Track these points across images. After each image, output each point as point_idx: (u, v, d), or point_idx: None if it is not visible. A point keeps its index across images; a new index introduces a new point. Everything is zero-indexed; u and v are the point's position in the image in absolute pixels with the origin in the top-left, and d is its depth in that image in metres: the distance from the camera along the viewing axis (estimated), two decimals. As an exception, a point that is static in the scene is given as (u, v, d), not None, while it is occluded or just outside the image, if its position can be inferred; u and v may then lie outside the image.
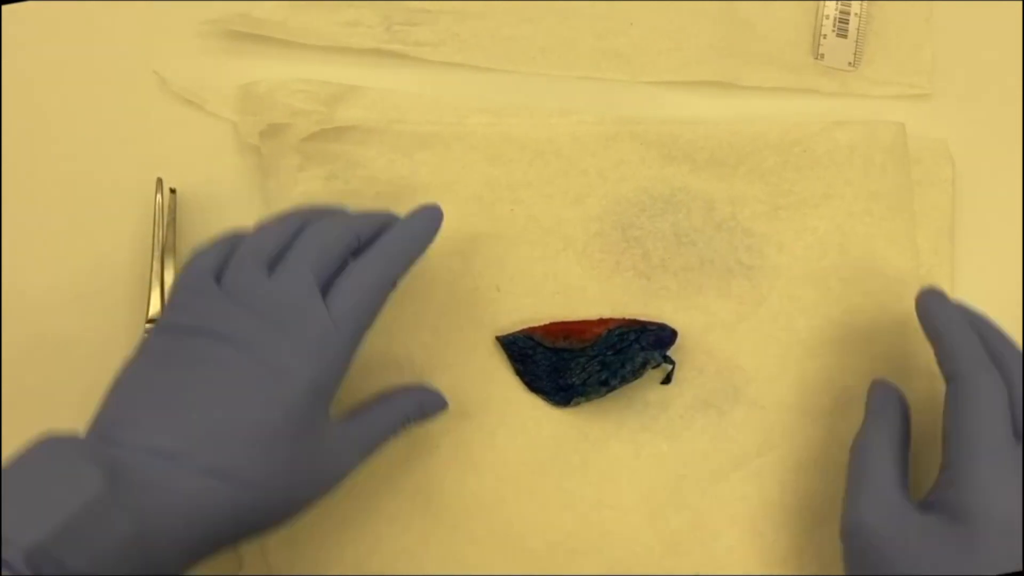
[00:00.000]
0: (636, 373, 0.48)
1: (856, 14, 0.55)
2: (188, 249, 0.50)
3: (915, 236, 0.52)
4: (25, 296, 0.50)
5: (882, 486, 0.44)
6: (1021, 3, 0.56)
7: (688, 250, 0.52)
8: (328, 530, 0.49)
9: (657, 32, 0.54)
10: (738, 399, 0.51)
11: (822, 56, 0.55)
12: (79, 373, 0.49)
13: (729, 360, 0.51)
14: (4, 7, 0.52)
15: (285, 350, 0.40)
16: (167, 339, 0.41)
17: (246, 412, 0.39)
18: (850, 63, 0.55)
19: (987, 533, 0.40)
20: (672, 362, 0.49)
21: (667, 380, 0.50)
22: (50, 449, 0.36)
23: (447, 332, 0.51)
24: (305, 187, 0.51)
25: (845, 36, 0.55)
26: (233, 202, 0.52)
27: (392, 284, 0.43)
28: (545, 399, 0.50)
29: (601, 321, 0.50)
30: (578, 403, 0.50)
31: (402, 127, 0.52)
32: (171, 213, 0.50)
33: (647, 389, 0.50)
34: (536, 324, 0.51)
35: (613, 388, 0.49)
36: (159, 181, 0.50)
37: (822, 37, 0.55)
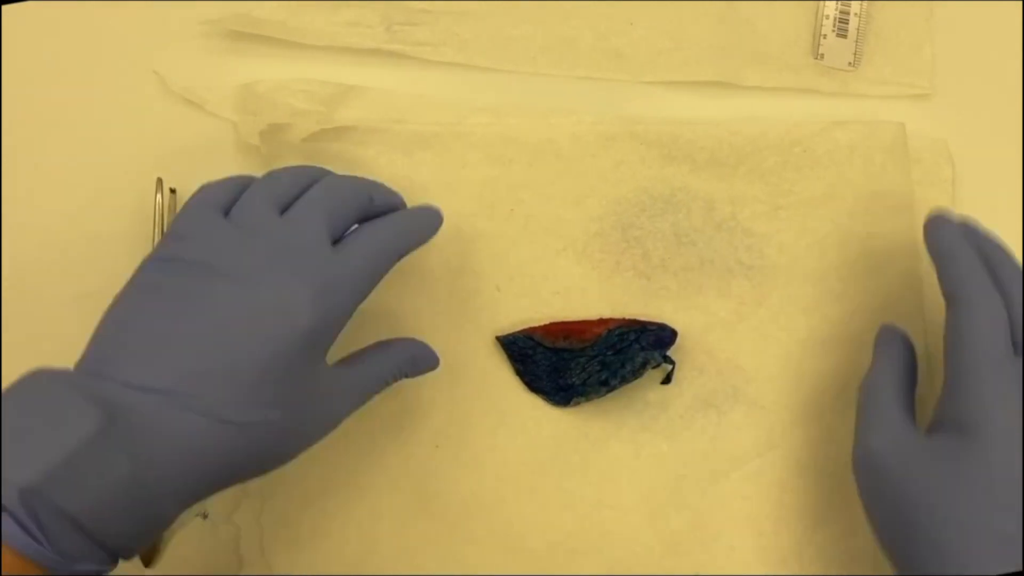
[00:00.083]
0: (636, 373, 0.48)
1: (856, 14, 0.55)
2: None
3: (915, 236, 0.52)
4: (25, 296, 0.50)
5: (888, 417, 0.44)
6: (1021, 3, 0.56)
7: (688, 250, 0.52)
8: (328, 530, 0.49)
9: (657, 32, 0.54)
10: (738, 399, 0.51)
11: (822, 56, 0.55)
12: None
13: (729, 360, 0.51)
14: (4, 7, 0.52)
15: (289, 291, 0.39)
16: (165, 271, 0.39)
17: (244, 351, 0.37)
18: (850, 63, 0.54)
19: (989, 443, 0.41)
20: (672, 362, 0.49)
21: (667, 380, 0.50)
22: (44, 384, 0.36)
23: (447, 332, 0.51)
24: (305, 187, 0.51)
25: (845, 36, 0.55)
26: (233, 202, 0.52)
27: (399, 255, 0.43)
28: (545, 399, 0.50)
29: (601, 321, 0.50)
30: (578, 403, 0.50)
31: (402, 127, 0.52)
32: (171, 213, 0.50)
33: (647, 389, 0.50)
34: (536, 324, 0.51)
35: (613, 388, 0.49)
36: (159, 181, 0.50)
37: (822, 37, 0.55)
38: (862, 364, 0.50)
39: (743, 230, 0.52)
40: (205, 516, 0.45)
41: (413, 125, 0.52)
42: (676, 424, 0.50)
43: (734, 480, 0.50)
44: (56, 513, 0.33)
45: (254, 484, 0.44)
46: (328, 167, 0.51)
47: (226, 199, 0.41)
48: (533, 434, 0.50)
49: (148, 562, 0.44)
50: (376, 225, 0.43)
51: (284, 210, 0.41)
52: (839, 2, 0.55)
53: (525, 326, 0.51)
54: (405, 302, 0.50)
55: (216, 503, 0.46)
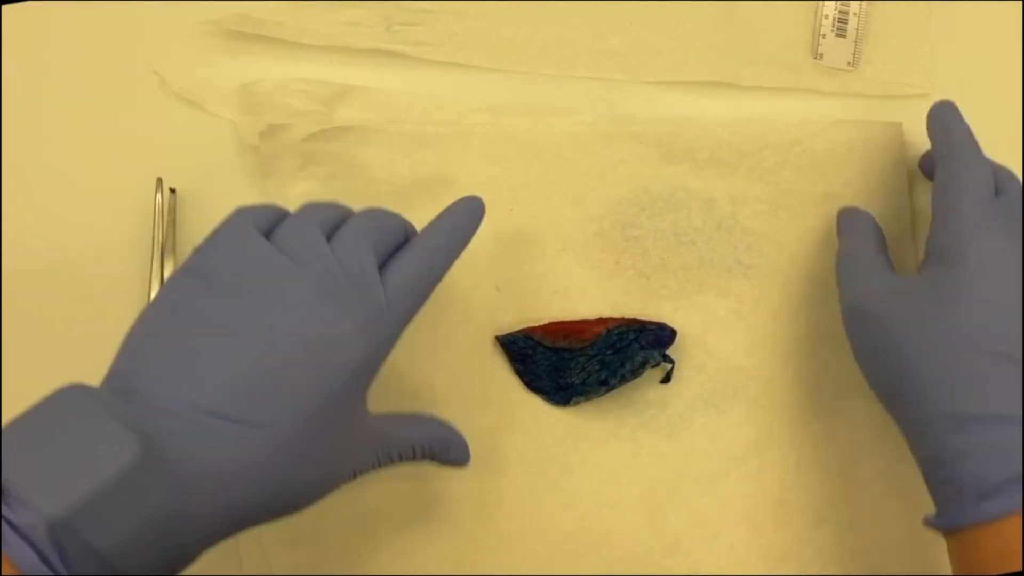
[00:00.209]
0: (636, 372, 0.48)
1: (855, 14, 0.55)
2: (188, 249, 0.50)
3: (913, 235, 0.52)
4: (25, 296, 0.50)
5: (867, 268, 0.46)
6: (1021, 3, 0.56)
7: (687, 249, 0.52)
8: (328, 530, 0.49)
9: (657, 32, 0.54)
10: (737, 398, 0.51)
11: (821, 56, 0.55)
12: (79, 373, 0.49)
13: (728, 359, 0.51)
14: (4, 7, 0.52)
15: (340, 323, 0.38)
16: (201, 289, 0.38)
17: (292, 378, 0.36)
18: (849, 63, 0.55)
19: (975, 266, 0.42)
20: (671, 361, 0.49)
21: (666, 379, 0.50)
22: (80, 405, 0.33)
23: (447, 332, 0.51)
24: (304, 187, 0.51)
25: (844, 36, 0.55)
26: (233, 202, 0.51)
27: (440, 276, 0.42)
28: (545, 399, 0.50)
29: (600, 320, 0.50)
30: (578, 403, 0.50)
31: (401, 127, 0.52)
32: (171, 213, 0.50)
33: (647, 388, 0.50)
34: (535, 324, 0.51)
35: (613, 387, 0.49)
36: (159, 181, 0.50)
37: (821, 37, 0.55)
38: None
39: (742, 229, 0.52)
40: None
41: (412, 125, 0.52)
42: (676, 423, 0.50)
43: (734, 479, 0.50)
44: (83, 548, 0.31)
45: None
46: (327, 167, 0.51)
47: (266, 222, 0.40)
48: (533, 434, 0.50)
49: None
50: (416, 248, 0.42)
51: (329, 237, 0.40)
52: (838, 2, 0.55)
53: (525, 326, 0.51)
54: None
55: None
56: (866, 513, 0.50)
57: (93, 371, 0.49)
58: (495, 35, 0.54)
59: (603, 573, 0.49)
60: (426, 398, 0.50)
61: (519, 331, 0.50)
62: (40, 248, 0.51)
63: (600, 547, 0.49)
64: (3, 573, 0.30)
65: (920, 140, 0.53)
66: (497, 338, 0.51)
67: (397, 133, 0.52)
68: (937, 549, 0.47)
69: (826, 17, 0.55)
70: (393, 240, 0.41)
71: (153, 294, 0.49)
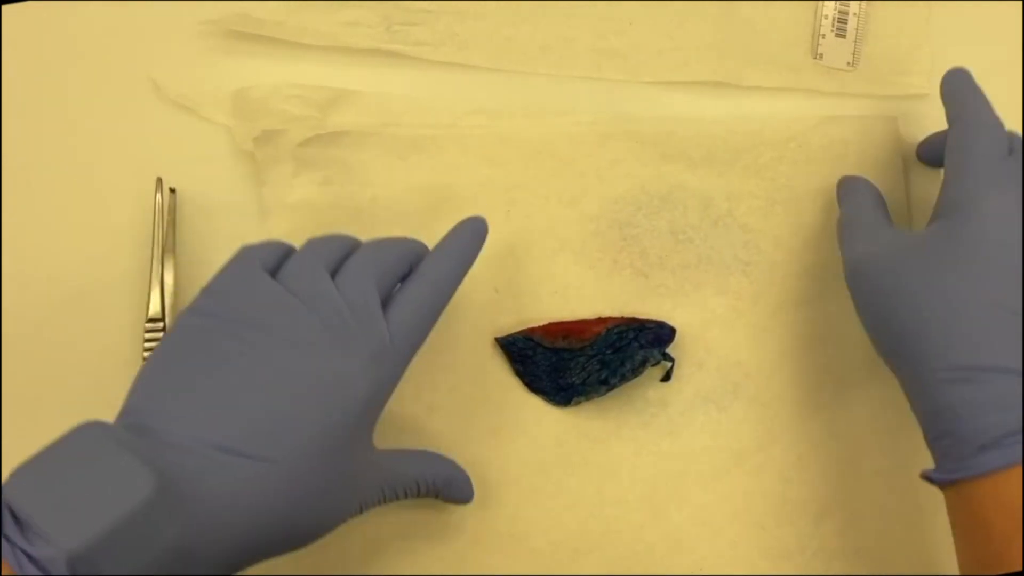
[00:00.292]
0: (636, 371, 0.48)
1: (855, 14, 0.55)
2: (188, 249, 0.50)
3: (910, 229, 0.52)
4: (25, 296, 0.50)
5: (869, 226, 0.46)
6: (1021, 3, 0.56)
7: (685, 247, 0.52)
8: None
9: (656, 32, 0.54)
10: (738, 395, 0.50)
11: (821, 56, 0.55)
12: (79, 373, 0.49)
13: (728, 356, 0.51)
14: (4, 7, 0.52)
15: (345, 359, 0.39)
16: (211, 328, 0.39)
17: (301, 415, 0.37)
18: (849, 63, 0.55)
19: (981, 223, 0.41)
20: (671, 359, 0.49)
21: (667, 378, 0.50)
22: (97, 441, 0.34)
23: (446, 333, 0.51)
24: (300, 193, 0.51)
25: (844, 36, 0.55)
26: (231, 205, 0.51)
27: (444, 305, 0.43)
28: (545, 399, 0.50)
29: (600, 320, 0.50)
30: (578, 403, 0.50)
31: (396, 130, 0.52)
32: (171, 213, 0.50)
33: (647, 387, 0.50)
34: (535, 324, 0.51)
35: (613, 387, 0.49)
36: (159, 181, 0.50)
37: (821, 37, 0.55)
38: (861, 358, 0.50)
39: (740, 226, 0.52)
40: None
41: (407, 128, 0.52)
42: (676, 421, 0.50)
43: (735, 476, 0.50)
44: None
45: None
46: (322, 172, 0.51)
47: (271, 260, 0.41)
48: (534, 434, 0.50)
49: None
50: (418, 281, 0.42)
51: (333, 274, 0.41)
52: (838, 2, 0.55)
53: (524, 327, 0.51)
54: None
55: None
56: (868, 509, 0.49)
57: (93, 371, 0.49)
58: (495, 35, 0.54)
59: (606, 572, 0.49)
60: (427, 401, 0.50)
61: (518, 332, 0.50)
62: (40, 248, 0.51)
63: (603, 546, 0.49)
64: None
65: (917, 136, 0.53)
66: (497, 339, 0.51)
67: (392, 137, 0.52)
68: (939, 545, 0.47)
69: (826, 17, 0.55)
70: (398, 270, 0.42)
71: (154, 294, 0.49)
